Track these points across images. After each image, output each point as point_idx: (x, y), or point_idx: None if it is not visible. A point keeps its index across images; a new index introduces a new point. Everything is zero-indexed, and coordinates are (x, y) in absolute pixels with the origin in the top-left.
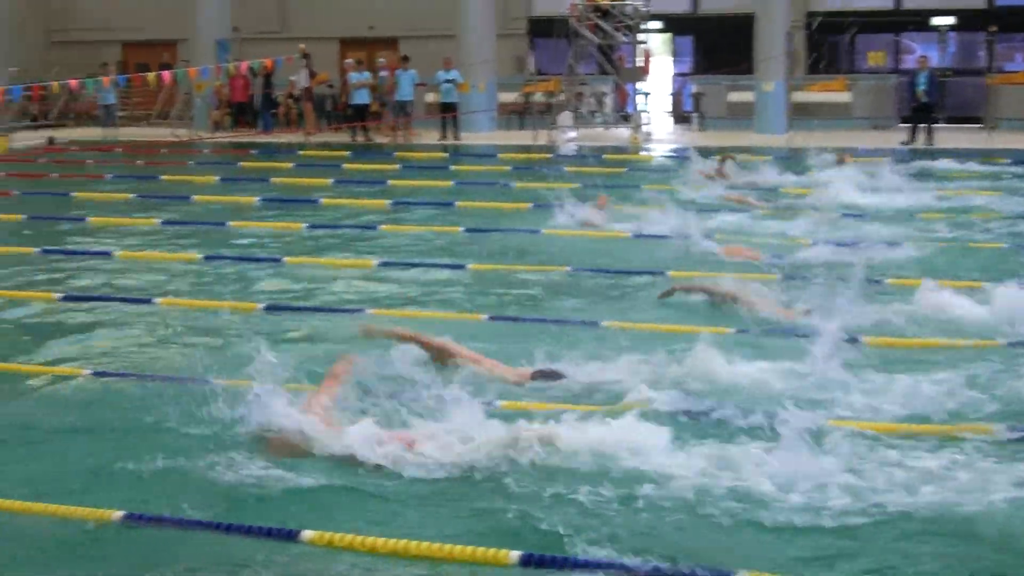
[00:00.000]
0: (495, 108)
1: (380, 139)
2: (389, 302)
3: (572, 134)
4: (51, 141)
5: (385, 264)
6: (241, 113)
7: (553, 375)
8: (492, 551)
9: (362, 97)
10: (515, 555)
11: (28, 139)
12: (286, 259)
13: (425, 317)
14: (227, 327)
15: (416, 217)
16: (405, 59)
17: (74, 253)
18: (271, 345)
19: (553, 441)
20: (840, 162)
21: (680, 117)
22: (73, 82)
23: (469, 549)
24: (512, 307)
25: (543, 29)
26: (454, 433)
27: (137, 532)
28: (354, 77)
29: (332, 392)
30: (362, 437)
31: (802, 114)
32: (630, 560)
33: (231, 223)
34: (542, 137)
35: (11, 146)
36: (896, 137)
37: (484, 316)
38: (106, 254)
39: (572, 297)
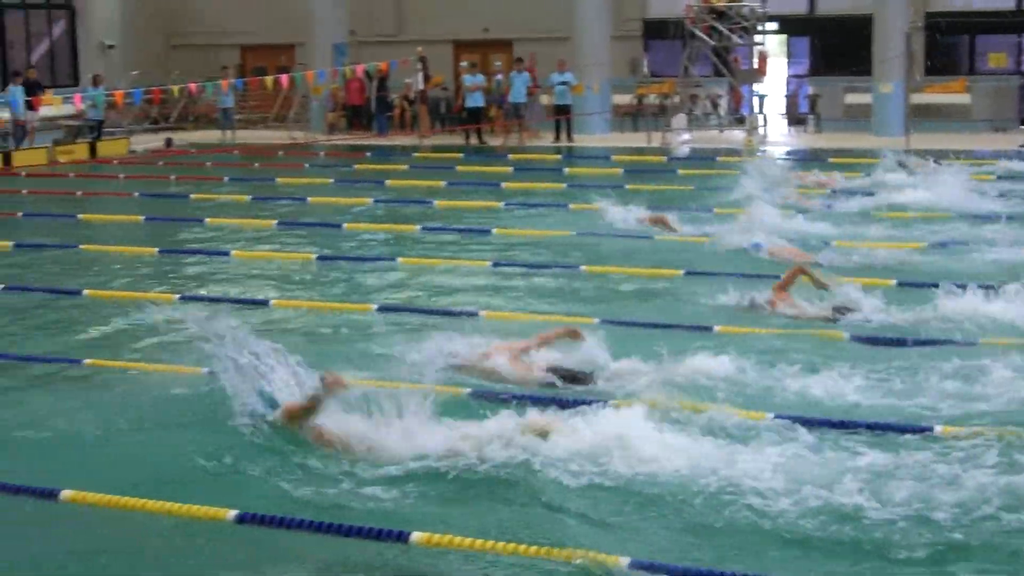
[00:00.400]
0: (609, 110)
1: (493, 141)
2: (502, 304)
3: (686, 136)
4: (169, 143)
5: (498, 265)
6: (356, 116)
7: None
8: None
9: (476, 100)
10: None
11: (147, 142)
12: (400, 260)
13: (538, 320)
14: (341, 327)
15: (529, 219)
16: (518, 61)
17: (192, 253)
18: (385, 345)
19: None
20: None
21: (796, 119)
22: (192, 85)
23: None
24: (623, 310)
25: (657, 31)
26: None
27: (249, 531)
28: (468, 80)
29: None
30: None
31: (921, 116)
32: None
33: (346, 224)
34: (656, 139)
35: (131, 148)
36: (1017, 139)
37: (596, 319)
38: (223, 254)
39: (682, 301)
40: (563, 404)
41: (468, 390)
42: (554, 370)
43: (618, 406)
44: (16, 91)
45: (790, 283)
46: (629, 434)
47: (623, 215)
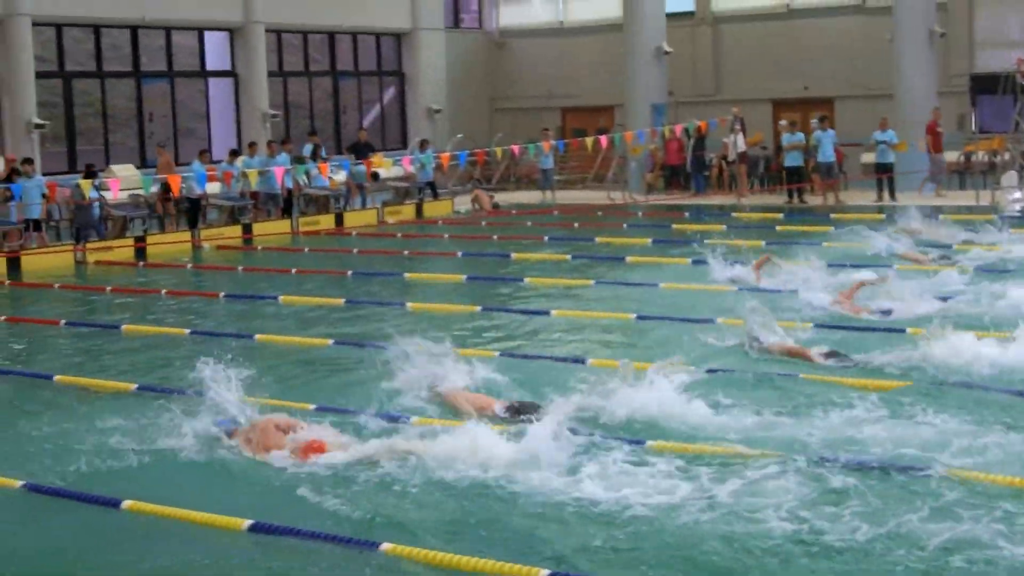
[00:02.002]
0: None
1: (813, 200)
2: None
3: (1018, 195)
4: (496, 205)
5: (820, 327)
6: (674, 175)
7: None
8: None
9: (795, 159)
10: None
11: (468, 203)
12: (719, 320)
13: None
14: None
15: (852, 279)
16: (823, 120)
17: (511, 312)
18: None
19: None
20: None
21: None
22: (515, 148)
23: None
24: None
25: (986, 85)
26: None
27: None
28: (787, 139)
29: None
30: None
31: None
32: None
33: (662, 284)
34: (984, 198)
35: (455, 209)
36: None
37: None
38: (544, 313)
39: None
40: None
41: None
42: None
43: None
44: (362, 153)
45: None
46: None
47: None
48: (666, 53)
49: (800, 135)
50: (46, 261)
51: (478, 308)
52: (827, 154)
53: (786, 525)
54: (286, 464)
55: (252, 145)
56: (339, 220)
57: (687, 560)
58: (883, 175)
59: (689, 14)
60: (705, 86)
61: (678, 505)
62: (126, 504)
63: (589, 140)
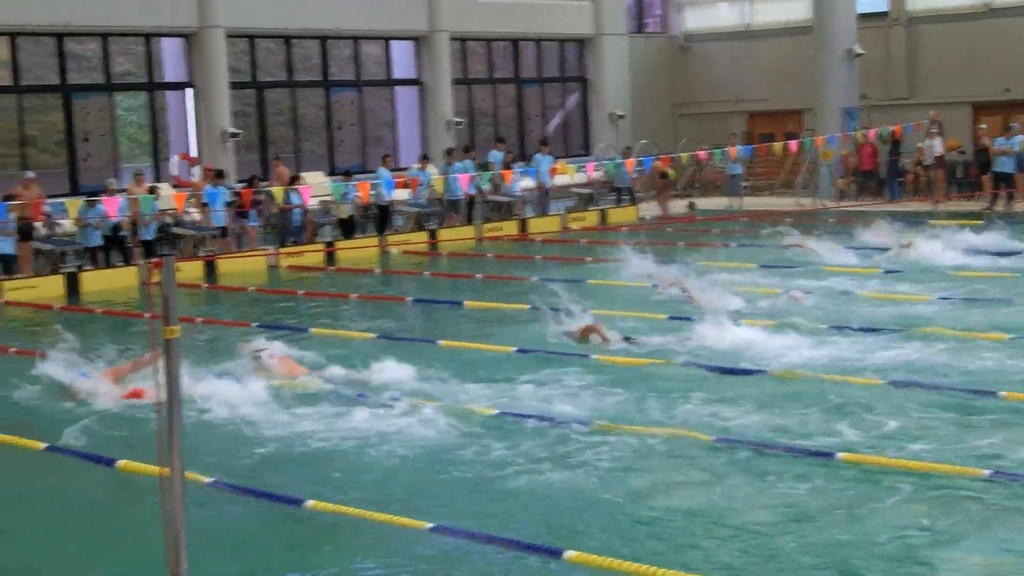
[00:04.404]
0: None
1: (1019, 207)
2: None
3: None
4: (692, 207)
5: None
6: (866, 181)
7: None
8: None
9: (1005, 165)
10: None
11: (652, 209)
12: (914, 329)
13: None
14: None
15: None
16: (1007, 129)
17: (689, 320)
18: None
19: None
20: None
21: None
22: (701, 153)
23: None
24: None
25: None
26: None
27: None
28: (999, 143)
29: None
30: None
31: None
32: None
33: (858, 291)
34: None
35: (640, 215)
36: None
37: None
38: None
39: None
40: None
41: None
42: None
43: None
44: (542, 160)
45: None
46: None
47: None
48: (858, 55)
49: (1018, 139)
50: (241, 265)
51: (664, 316)
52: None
53: None
54: None
55: (452, 152)
56: (522, 227)
57: None
58: None
59: (882, 14)
60: (899, 89)
61: None
62: (309, 503)
63: (778, 145)
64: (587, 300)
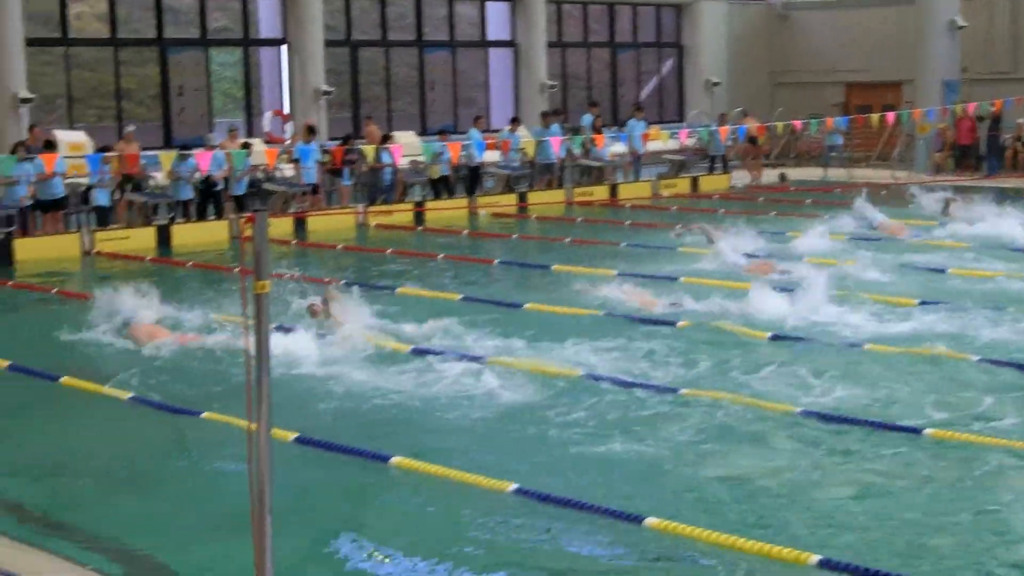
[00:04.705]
0: None
1: None
2: None
3: None
4: (783, 178)
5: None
6: (964, 156)
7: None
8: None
9: None
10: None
11: (745, 178)
12: (1011, 308)
13: None
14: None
15: None
16: None
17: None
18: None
19: None
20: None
21: None
22: (796, 123)
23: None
24: None
25: None
26: None
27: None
28: None
29: None
30: None
31: None
32: None
33: (951, 269)
34: None
35: (732, 184)
36: None
37: None
38: None
39: None
40: None
41: None
42: None
43: None
44: (635, 125)
45: None
46: None
47: None
48: (960, 27)
49: None
50: (330, 223)
51: (748, 286)
52: None
53: None
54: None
55: (546, 115)
56: (613, 192)
57: None
58: None
59: None
60: (1001, 62)
61: None
62: (393, 460)
63: (875, 117)
64: (674, 265)
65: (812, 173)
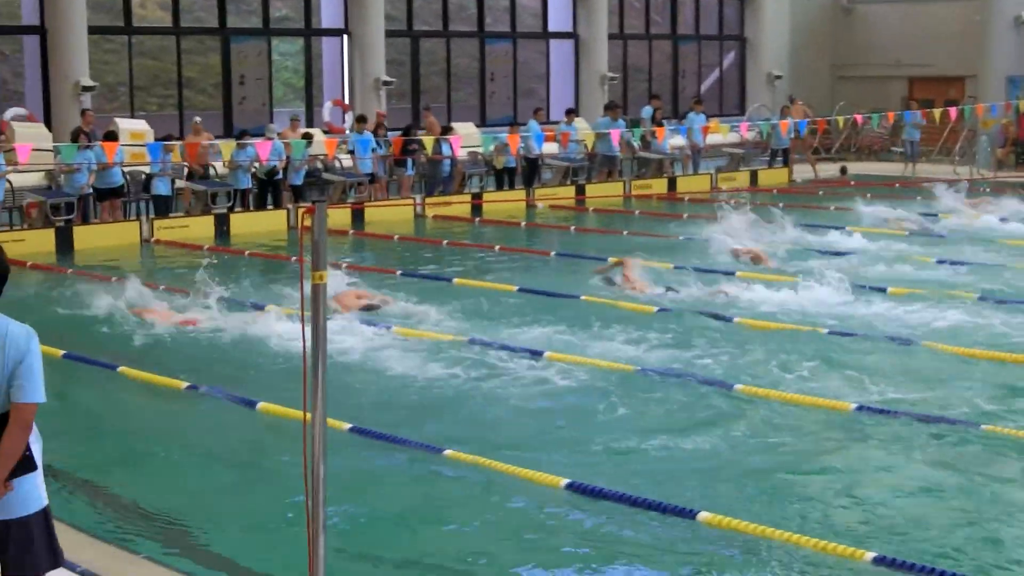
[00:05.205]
0: None
1: None
2: None
3: None
4: (844, 171)
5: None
6: None
7: None
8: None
9: None
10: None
11: (805, 172)
12: None
13: None
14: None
15: None
16: None
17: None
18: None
19: None
20: None
21: None
22: (858, 117)
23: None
24: None
25: None
26: None
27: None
28: None
29: None
30: None
31: None
32: None
33: (1018, 264)
34: None
35: (792, 178)
36: None
37: None
38: (880, 290)
39: None
40: None
41: None
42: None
43: None
44: (695, 118)
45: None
46: None
47: None
48: None
49: None
50: (388, 213)
51: (800, 278)
52: None
53: None
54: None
55: (611, 108)
56: (671, 185)
57: None
58: None
59: None
60: None
61: None
62: (447, 453)
63: (937, 112)
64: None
65: (873, 168)
